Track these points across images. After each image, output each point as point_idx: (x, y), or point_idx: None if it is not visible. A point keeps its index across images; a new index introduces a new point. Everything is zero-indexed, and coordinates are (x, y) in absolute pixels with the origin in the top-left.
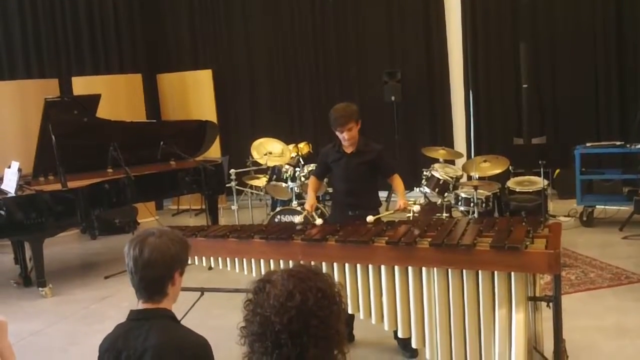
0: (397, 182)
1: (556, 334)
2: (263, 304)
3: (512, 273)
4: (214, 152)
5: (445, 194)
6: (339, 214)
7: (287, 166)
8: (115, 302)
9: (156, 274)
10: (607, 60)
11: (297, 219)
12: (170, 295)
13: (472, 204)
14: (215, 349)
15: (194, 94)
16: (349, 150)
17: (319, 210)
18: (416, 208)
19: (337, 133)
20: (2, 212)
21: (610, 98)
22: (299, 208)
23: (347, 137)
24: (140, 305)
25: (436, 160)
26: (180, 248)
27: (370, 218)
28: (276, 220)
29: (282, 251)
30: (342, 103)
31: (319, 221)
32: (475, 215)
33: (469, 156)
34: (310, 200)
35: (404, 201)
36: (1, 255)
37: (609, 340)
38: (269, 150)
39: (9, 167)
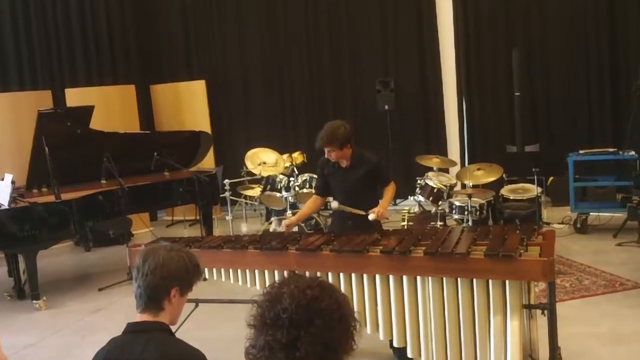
0: (388, 191)
1: (551, 341)
2: (285, 285)
3: (507, 281)
4: (208, 162)
5: (440, 203)
6: (339, 224)
7: (281, 176)
8: (110, 314)
9: (152, 284)
10: (600, 67)
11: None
12: (168, 312)
13: (466, 212)
14: None
15: (187, 104)
16: (343, 164)
17: (313, 220)
18: (371, 217)
19: None
20: None
21: (603, 105)
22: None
23: (329, 157)
24: (138, 318)
25: (430, 169)
26: (183, 266)
27: (334, 205)
28: (271, 230)
29: (276, 261)
30: (336, 122)
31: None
32: (470, 223)
33: (462, 164)
34: (293, 219)
35: (380, 210)
36: None
37: (604, 346)
38: (263, 160)
39: (2, 179)
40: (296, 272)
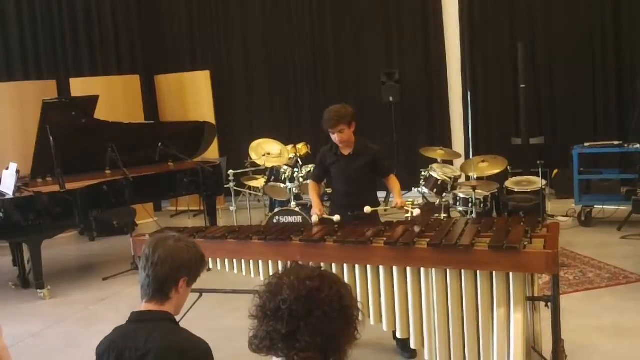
0: (394, 183)
1: (554, 333)
2: (285, 276)
3: (511, 273)
4: (212, 153)
5: (444, 195)
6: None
7: (285, 167)
8: (114, 303)
9: (162, 274)
10: (604, 59)
11: (314, 219)
12: (173, 301)
13: (470, 204)
14: (214, 350)
15: (192, 95)
16: (346, 152)
17: None
18: (416, 212)
19: (330, 134)
20: (0, 214)
21: (608, 98)
22: (297, 209)
23: (337, 139)
24: (143, 307)
25: (434, 161)
26: (193, 257)
27: (367, 209)
28: (275, 221)
29: (280, 252)
30: (338, 104)
31: (337, 217)
32: (474, 215)
33: (467, 156)
34: (317, 204)
35: (401, 200)
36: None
37: (608, 340)
38: (267, 151)
39: (7, 168)
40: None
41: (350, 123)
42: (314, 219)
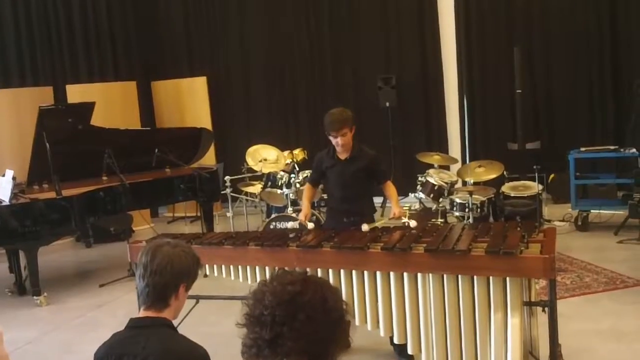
0: (391, 189)
1: (552, 338)
2: (268, 283)
3: (507, 278)
4: (209, 159)
5: (440, 200)
6: (333, 221)
7: (282, 173)
8: (111, 310)
9: (162, 281)
10: (601, 64)
11: (290, 225)
12: (172, 308)
13: (467, 209)
14: (211, 356)
15: (188, 101)
16: (343, 156)
17: (314, 217)
18: (413, 223)
19: (331, 138)
20: None
21: (605, 103)
22: (294, 215)
23: (340, 143)
24: (141, 313)
25: (431, 166)
26: (191, 262)
27: (365, 227)
28: (271, 227)
29: (277, 258)
30: (338, 108)
31: (310, 225)
32: (470, 220)
33: (463, 161)
34: (305, 209)
35: (399, 209)
36: None
37: (605, 344)
38: (264, 157)
39: (3, 175)
40: (285, 268)
41: (351, 126)
42: (289, 225)
